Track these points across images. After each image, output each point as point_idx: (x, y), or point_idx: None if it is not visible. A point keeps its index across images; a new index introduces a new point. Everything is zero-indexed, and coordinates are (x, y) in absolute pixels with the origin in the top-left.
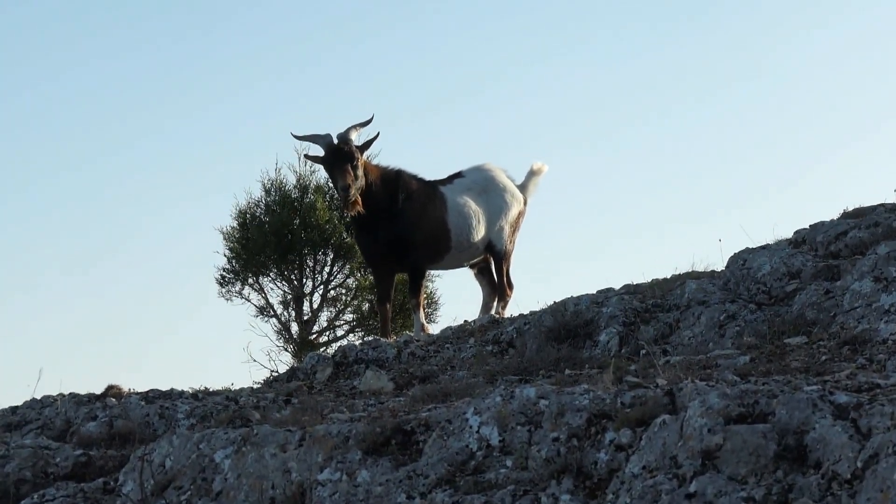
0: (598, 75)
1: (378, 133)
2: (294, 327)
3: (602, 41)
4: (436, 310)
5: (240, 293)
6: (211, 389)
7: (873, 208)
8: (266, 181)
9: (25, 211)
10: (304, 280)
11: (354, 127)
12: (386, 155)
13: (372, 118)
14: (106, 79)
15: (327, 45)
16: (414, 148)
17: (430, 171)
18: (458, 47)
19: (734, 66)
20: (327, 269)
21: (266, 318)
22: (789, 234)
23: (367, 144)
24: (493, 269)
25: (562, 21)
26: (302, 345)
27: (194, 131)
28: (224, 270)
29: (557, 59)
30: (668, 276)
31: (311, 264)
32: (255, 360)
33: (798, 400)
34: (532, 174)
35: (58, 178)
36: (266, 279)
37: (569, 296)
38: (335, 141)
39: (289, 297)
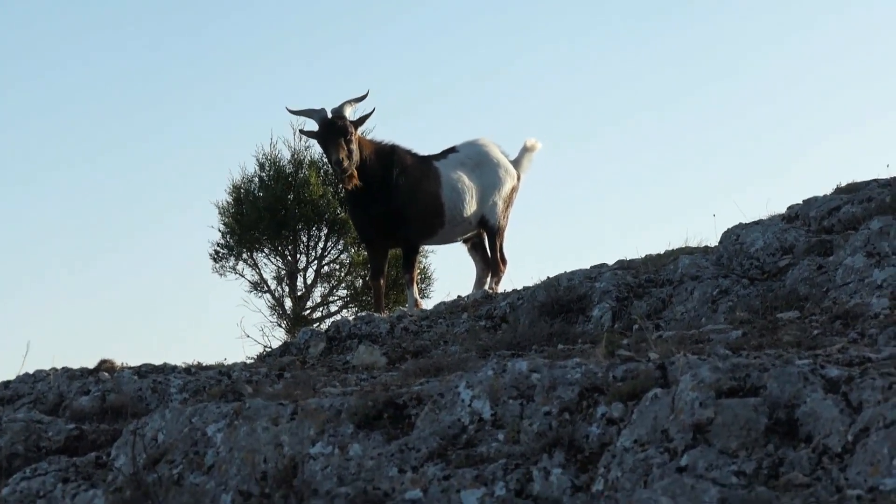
0: (595, 56)
1: (374, 108)
2: (288, 303)
3: (602, 23)
4: (429, 285)
5: (233, 268)
6: (204, 364)
7: (866, 183)
8: (260, 156)
9: (20, 188)
10: (298, 255)
11: (349, 102)
12: (381, 130)
13: (367, 94)
14: (103, 57)
15: (326, 19)
16: (410, 123)
17: (426, 146)
18: (461, 24)
19: (732, 48)
20: (321, 244)
21: (260, 294)
22: (783, 210)
23: (362, 120)
24: (486, 244)
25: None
26: (295, 320)
27: (190, 106)
28: (218, 246)
29: (557, 40)
30: (662, 252)
31: (304, 240)
32: (248, 336)
33: (789, 374)
34: (526, 150)
35: (51, 154)
36: (260, 254)
37: (562, 271)
38: (329, 115)
39: (282, 272)
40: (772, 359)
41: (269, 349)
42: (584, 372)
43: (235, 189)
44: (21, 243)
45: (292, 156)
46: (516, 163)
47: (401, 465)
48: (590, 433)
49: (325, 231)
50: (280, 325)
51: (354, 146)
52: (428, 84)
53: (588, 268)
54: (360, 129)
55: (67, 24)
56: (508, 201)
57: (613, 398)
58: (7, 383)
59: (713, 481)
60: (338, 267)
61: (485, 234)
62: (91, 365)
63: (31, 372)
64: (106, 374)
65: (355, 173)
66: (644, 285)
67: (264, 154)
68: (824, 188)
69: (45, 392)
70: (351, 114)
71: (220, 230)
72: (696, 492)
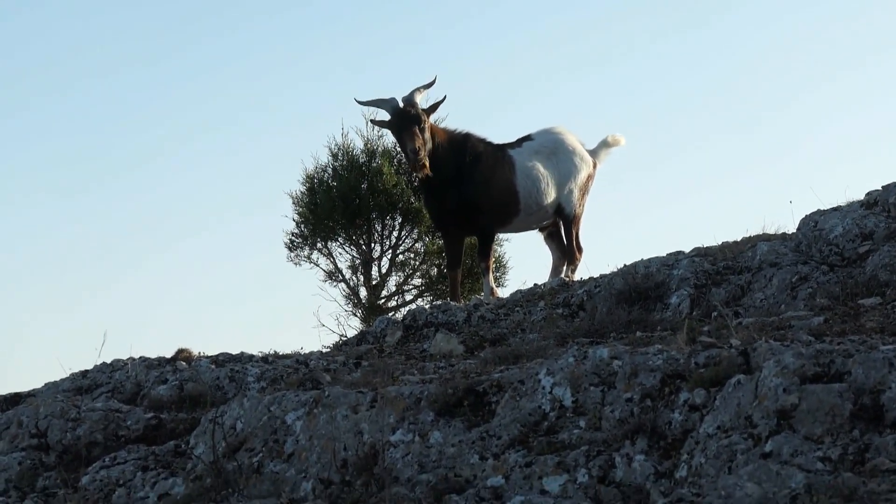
0: (669, 44)
1: (445, 96)
2: (362, 292)
3: (673, 13)
4: (505, 273)
5: (308, 258)
6: (280, 353)
7: None
8: (333, 146)
9: (99, 181)
10: (373, 245)
11: (418, 89)
12: (454, 119)
13: (435, 80)
14: (171, 46)
15: (393, 5)
16: (483, 111)
17: (501, 135)
18: (543, 14)
19: (805, 31)
20: (395, 233)
21: (335, 283)
22: (861, 197)
23: (434, 107)
24: (562, 232)
25: None
26: (370, 309)
27: (262, 96)
28: (293, 235)
29: (631, 24)
30: (739, 239)
31: (379, 229)
32: (324, 325)
33: (874, 359)
34: (606, 144)
35: (129, 148)
36: (334, 244)
37: (638, 259)
38: (400, 104)
39: (357, 261)
40: (856, 345)
41: (346, 338)
42: (666, 358)
43: (309, 179)
44: (99, 235)
45: (365, 145)
46: (593, 152)
47: (482, 452)
48: (672, 419)
49: (400, 220)
50: (355, 315)
51: (427, 134)
52: (505, 72)
53: (665, 255)
54: (431, 117)
55: (160, 19)
56: (584, 189)
57: (696, 384)
58: (85, 373)
59: (798, 467)
60: (412, 256)
61: (561, 222)
62: (168, 354)
63: (108, 361)
64: (183, 363)
65: (427, 162)
66: (722, 272)
67: (336, 144)
68: None
69: (123, 381)
70: (422, 101)
71: (294, 220)
72: (781, 477)
